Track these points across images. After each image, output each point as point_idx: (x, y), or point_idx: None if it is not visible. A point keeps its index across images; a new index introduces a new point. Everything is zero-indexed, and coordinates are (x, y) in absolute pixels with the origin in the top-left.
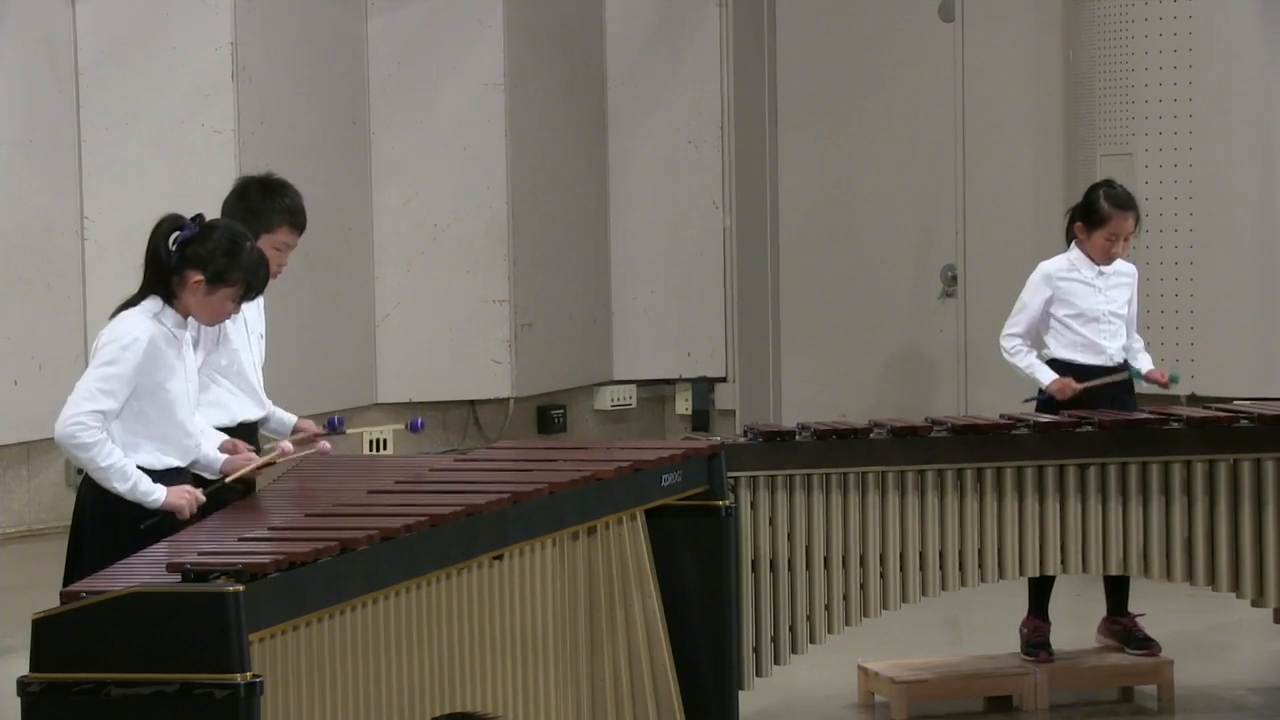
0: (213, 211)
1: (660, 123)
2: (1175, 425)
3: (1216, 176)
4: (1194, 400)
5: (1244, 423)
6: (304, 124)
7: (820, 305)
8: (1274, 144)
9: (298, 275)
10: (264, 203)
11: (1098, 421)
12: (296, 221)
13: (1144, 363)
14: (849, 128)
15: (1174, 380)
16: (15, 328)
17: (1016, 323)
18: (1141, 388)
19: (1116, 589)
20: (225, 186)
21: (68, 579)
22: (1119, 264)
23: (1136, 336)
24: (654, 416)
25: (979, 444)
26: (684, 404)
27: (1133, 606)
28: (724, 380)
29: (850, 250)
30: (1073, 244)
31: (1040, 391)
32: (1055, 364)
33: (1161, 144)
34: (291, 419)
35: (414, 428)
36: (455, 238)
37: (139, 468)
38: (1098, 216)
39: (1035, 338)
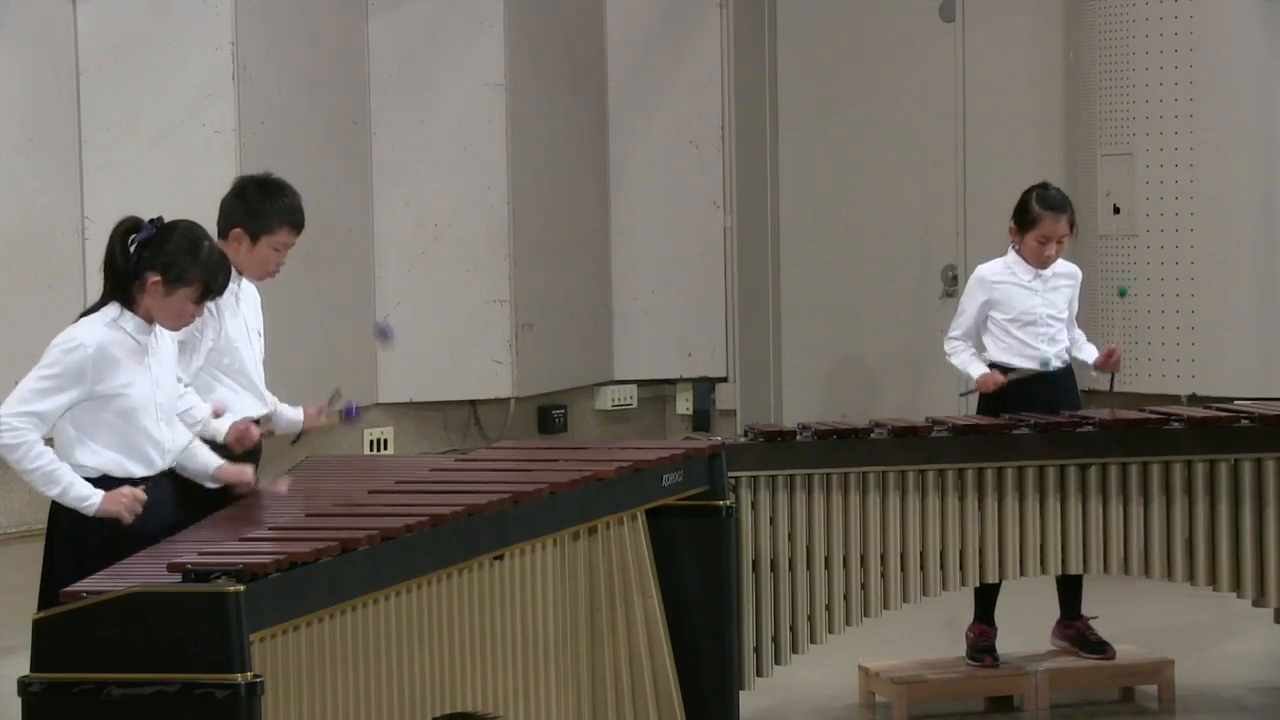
0: (212, 213)
1: (661, 123)
2: (1176, 425)
3: (1216, 176)
4: (1195, 400)
5: (1245, 423)
6: (304, 124)
7: (820, 305)
8: (1274, 144)
9: (298, 275)
10: (263, 204)
11: (1098, 421)
12: (296, 221)
13: (1088, 353)
14: (849, 128)
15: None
16: (15, 328)
17: (956, 326)
18: (1100, 381)
19: (1069, 592)
20: (225, 187)
21: (44, 589)
22: (1061, 265)
23: (1078, 331)
24: (654, 416)
25: (979, 444)
26: (685, 404)
27: (1123, 607)
28: (724, 380)
29: (850, 250)
30: (1010, 247)
31: (974, 389)
32: (992, 368)
33: (1162, 144)
34: (299, 413)
35: (349, 414)
36: (455, 238)
37: (106, 476)
38: (1028, 218)
39: (977, 340)
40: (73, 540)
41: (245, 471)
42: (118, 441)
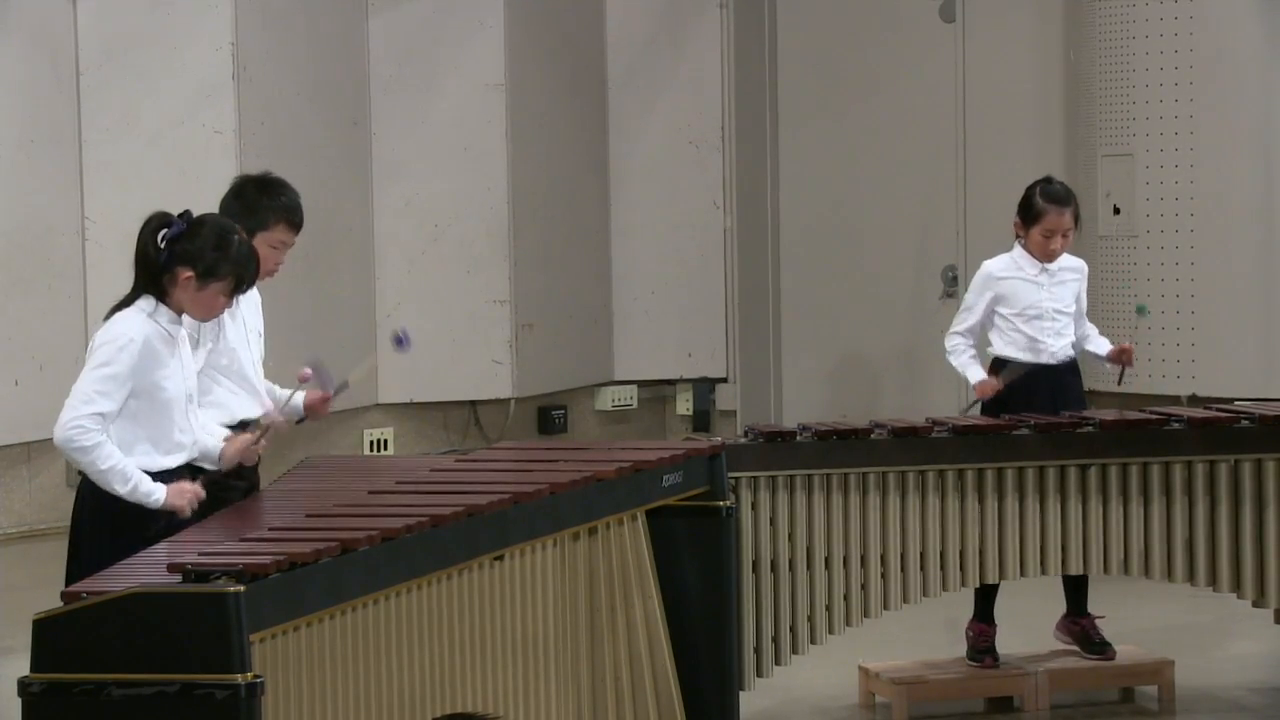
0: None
1: (660, 123)
2: (1176, 426)
3: (1216, 176)
4: (1195, 401)
5: (1245, 423)
6: (304, 124)
7: (820, 305)
8: (1274, 144)
9: (298, 275)
10: (260, 201)
11: (1098, 421)
12: (293, 219)
13: (1100, 346)
14: (849, 128)
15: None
16: (15, 328)
17: (960, 322)
18: (1100, 382)
19: (1076, 589)
20: (225, 187)
21: (68, 581)
22: (1067, 259)
23: (1089, 325)
24: (655, 417)
25: (979, 444)
26: (685, 404)
27: (1123, 608)
28: (725, 381)
29: (850, 250)
30: (1016, 242)
31: (974, 403)
32: (998, 361)
33: (1162, 144)
34: (300, 399)
35: (399, 341)
36: (455, 238)
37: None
38: (1033, 212)
39: (981, 337)
40: (103, 530)
41: (245, 438)
42: (151, 433)
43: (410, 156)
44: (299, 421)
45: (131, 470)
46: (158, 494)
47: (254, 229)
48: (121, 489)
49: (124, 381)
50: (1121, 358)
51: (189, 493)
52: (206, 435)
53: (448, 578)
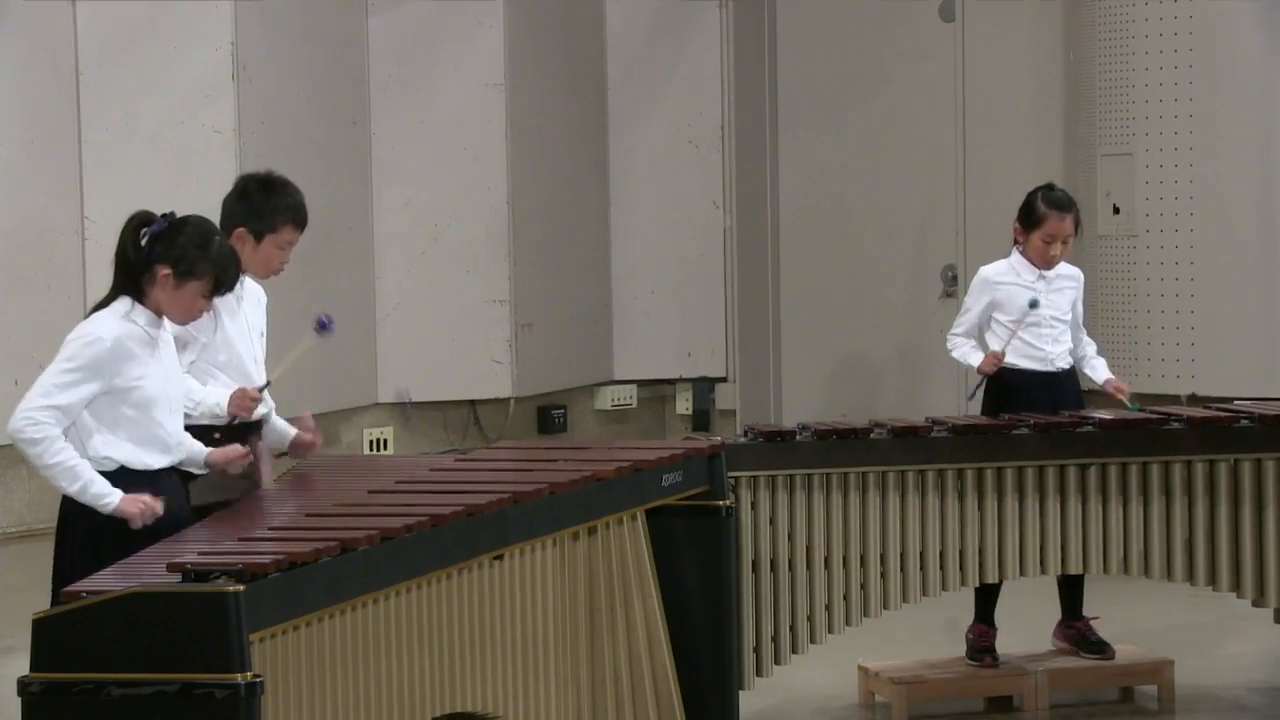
0: (212, 211)
1: (660, 123)
2: (1176, 425)
3: (1216, 176)
4: (1194, 400)
5: (1244, 423)
6: (304, 124)
7: (820, 305)
8: (1274, 144)
9: (298, 275)
10: (267, 202)
11: (1098, 421)
12: (299, 219)
13: (1098, 371)
14: (849, 128)
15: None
16: (15, 328)
17: (959, 324)
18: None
19: (1070, 593)
20: (225, 186)
21: (55, 585)
22: (1063, 267)
23: (1088, 341)
24: (654, 416)
25: (979, 444)
26: (684, 404)
27: (1122, 607)
28: (724, 380)
29: (850, 250)
30: (1014, 248)
31: (979, 383)
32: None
33: (1161, 144)
34: (291, 432)
35: (322, 325)
36: (455, 238)
37: (124, 468)
38: (1034, 218)
39: (979, 340)
40: (86, 537)
41: (235, 448)
42: (134, 433)
43: (410, 156)
44: (280, 455)
45: (84, 470)
46: (111, 498)
47: (262, 232)
48: (70, 487)
49: (85, 379)
50: (1116, 394)
51: (142, 503)
52: (191, 440)
53: (447, 577)
